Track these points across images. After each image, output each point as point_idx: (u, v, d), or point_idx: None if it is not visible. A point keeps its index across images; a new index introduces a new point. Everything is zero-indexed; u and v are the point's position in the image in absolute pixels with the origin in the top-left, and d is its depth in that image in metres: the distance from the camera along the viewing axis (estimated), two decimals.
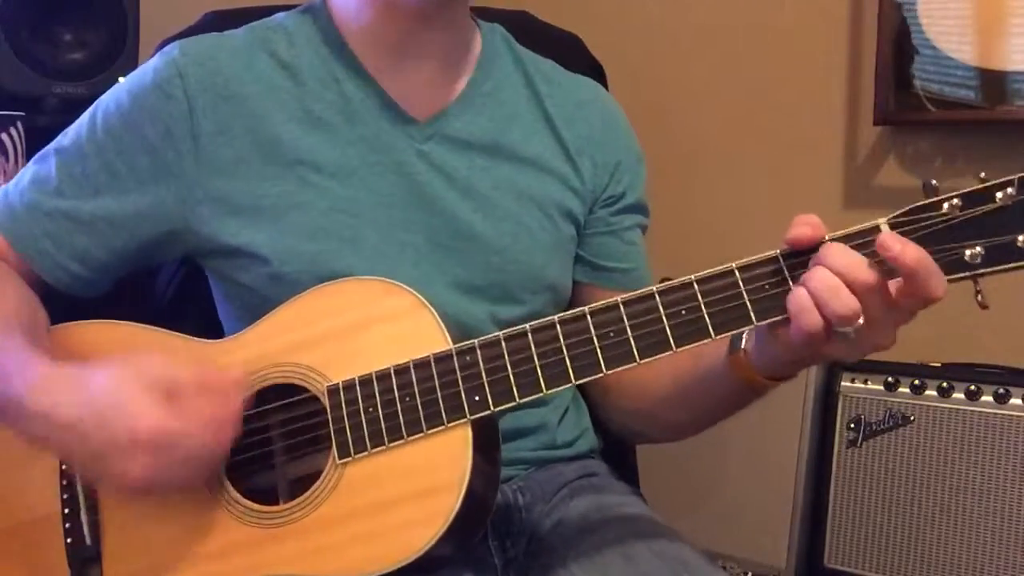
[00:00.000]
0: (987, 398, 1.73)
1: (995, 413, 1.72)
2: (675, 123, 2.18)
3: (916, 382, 1.79)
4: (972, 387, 1.74)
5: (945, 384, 1.76)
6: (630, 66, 2.06)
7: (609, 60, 1.39)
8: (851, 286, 0.76)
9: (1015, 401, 1.71)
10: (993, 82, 1.80)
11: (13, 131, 1.48)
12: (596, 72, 1.36)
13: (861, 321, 0.77)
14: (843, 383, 1.85)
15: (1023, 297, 1.78)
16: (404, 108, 1.03)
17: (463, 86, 1.06)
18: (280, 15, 1.08)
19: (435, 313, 0.90)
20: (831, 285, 0.76)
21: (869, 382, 1.83)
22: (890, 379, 1.81)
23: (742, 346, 0.88)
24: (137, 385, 0.84)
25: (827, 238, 0.80)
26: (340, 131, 1.01)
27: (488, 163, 1.05)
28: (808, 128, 2.06)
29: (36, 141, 1.47)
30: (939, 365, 1.81)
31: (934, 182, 0.79)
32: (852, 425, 1.83)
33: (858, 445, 1.83)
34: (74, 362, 0.89)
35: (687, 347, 0.82)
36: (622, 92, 1.29)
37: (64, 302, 1.03)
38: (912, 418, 1.79)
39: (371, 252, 0.99)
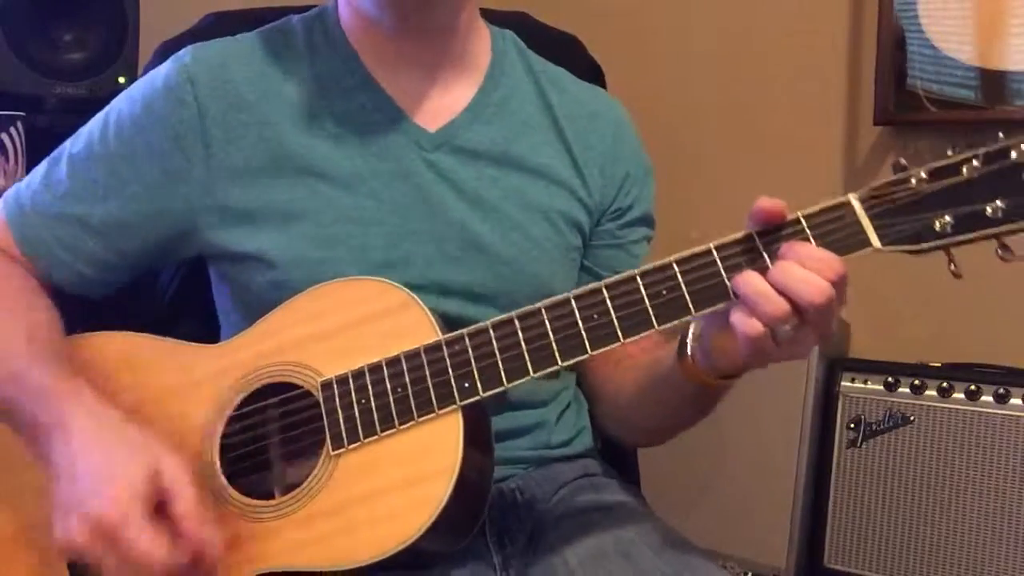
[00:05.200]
0: (987, 398, 1.73)
1: (995, 413, 1.72)
2: (674, 124, 2.18)
3: (916, 382, 1.79)
4: (972, 387, 1.74)
5: (945, 384, 1.76)
6: (629, 67, 2.05)
7: (608, 61, 1.39)
8: (778, 287, 0.79)
9: (1015, 401, 1.71)
10: (993, 82, 1.80)
11: (13, 131, 1.48)
12: (595, 73, 1.36)
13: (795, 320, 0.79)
14: (843, 383, 1.85)
15: (1023, 297, 1.78)
16: (413, 117, 1.03)
17: (473, 95, 1.06)
18: (291, 19, 1.07)
19: (425, 308, 0.90)
20: (758, 288, 0.79)
21: (869, 382, 1.84)
22: (890, 379, 1.81)
23: (688, 353, 0.90)
24: (145, 478, 0.82)
25: (799, 215, 0.82)
26: (349, 140, 1.01)
27: (497, 173, 1.04)
28: (808, 128, 2.06)
29: (36, 141, 1.48)
30: (939, 365, 1.82)
31: (903, 160, 0.81)
32: (852, 425, 1.83)
33: (858, 445, 1.83)
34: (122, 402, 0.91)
35: (668, 325, 0.84)
36: (621, 93, 1.29)
37: (67, 301, 1.03)
38: (912, 418, 1.79)
39: (377, 261, 0.99)
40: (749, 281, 0.80)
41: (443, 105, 1.05)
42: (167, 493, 0.83)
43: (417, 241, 1.01)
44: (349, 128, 1.01)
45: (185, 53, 1.02)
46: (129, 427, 0.88)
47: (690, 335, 0.90)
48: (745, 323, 0.80)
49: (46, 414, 0.88)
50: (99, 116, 1.04)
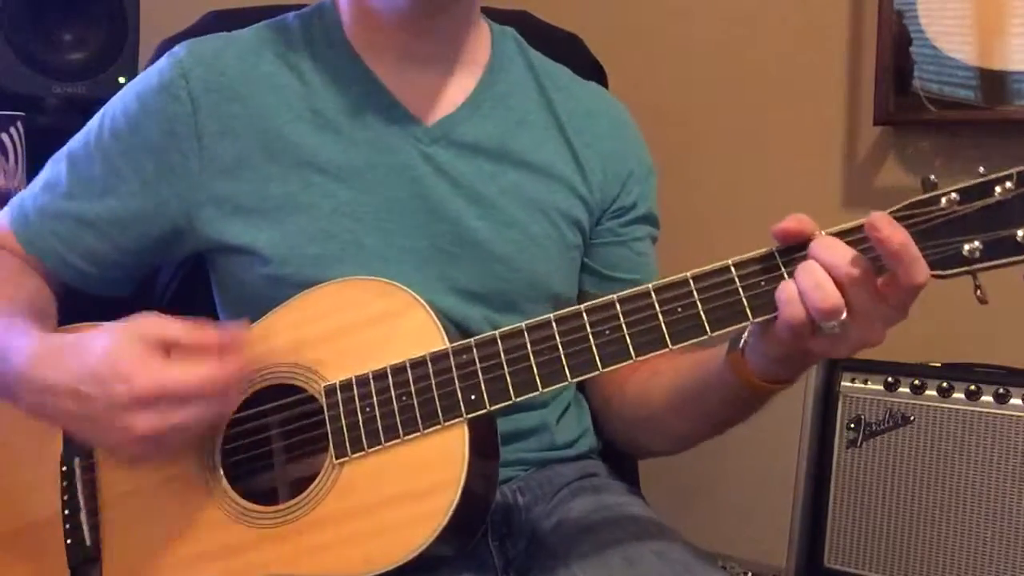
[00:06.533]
0: (987, 398, 1.73)
1: (995, 413, 1.72)
2: (675, 123, 2.18)
3: (916, 382, 1.78)
4: (972, 387, 1.74)
5: (945, 384, 1.76)
6: (630, 66, 2.05)
7: (609, 60, 1.39)
8: (836, 280, 0.76)
9: (1015, 401, 1.71)
10: (993, 82, 1.80)
11: (13, 131, 1.48)
12: (596, 72, 1.36)
13: (844, 316, 0.76)
14: (843, 383, 1.85)
15: (1023, 297, 1.78)
16: (410, 110, 1.03)
17: (472, 89, 1.06)
18: (288, 16, 1.08)
19: (432, 312, 0.90)
20: (816, 279, 0.76)
21: (869, 382, 1.83)
22: (890, 379, 1.81)
23: (740, 346, 0.87)
24: (136, 345, 0.82)
25: (821, 233, 0.79)
26: (346, 133, 1.01)
27: (495, 168, 1.04)
28: (808, 128, 2.06)
29: (36, 141, 1.48)
30: (939, 365, 1.81)
31: (933, 177, 0.78)
32: (852, 425, 1.83)
33: (858, 445, 1.83)
34: (73, 332, 0.89)
35: (683, 344, 0.82)
36: (622, 92, 1.29)
37: (72, 302, 1.04)
38: (912, 418, 1.78)
39: (372, 256, 0.99)
40: (807, 270, 0.77)
41: (441, 99, 1.04)
42: (169, 341, 0.83)
43: (412, 236, 1.00)
44: (345, 121, 1.01)
45: (180, 48, 1.02)
46: (85, 332, 0.86)
47: (745, 332, 0.86)
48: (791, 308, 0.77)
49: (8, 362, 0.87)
50: (97, 115, 1.05)
